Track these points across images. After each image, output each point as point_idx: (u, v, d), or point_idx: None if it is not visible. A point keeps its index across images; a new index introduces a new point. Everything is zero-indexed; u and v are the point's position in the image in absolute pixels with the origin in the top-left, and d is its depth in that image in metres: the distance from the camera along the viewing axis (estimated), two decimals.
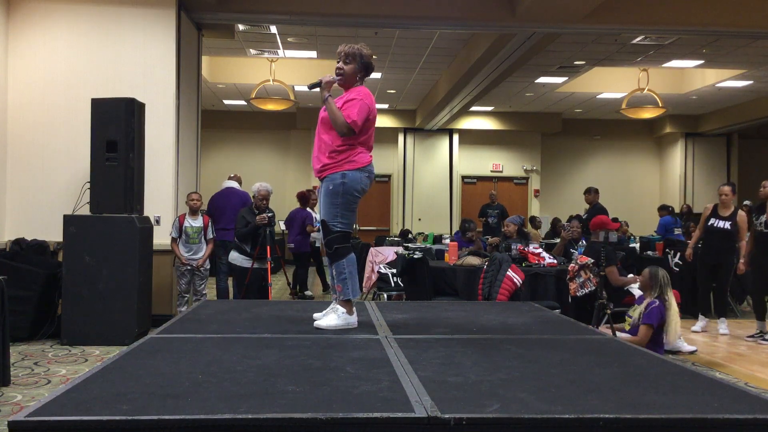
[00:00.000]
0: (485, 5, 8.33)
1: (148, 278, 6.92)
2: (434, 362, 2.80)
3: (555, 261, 7.41)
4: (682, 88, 13.82)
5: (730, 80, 12.88)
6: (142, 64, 7.50)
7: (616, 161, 18.22)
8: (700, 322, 7.53)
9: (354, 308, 3.72)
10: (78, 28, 7.52)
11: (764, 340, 6.95)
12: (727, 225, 7.30)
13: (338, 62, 3.76)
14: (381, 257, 8.79)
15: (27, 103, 7.45)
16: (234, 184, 8.81)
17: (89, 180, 6.75)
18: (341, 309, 3.65)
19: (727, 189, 7.42)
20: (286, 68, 12.21)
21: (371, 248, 9.42)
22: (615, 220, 11.08)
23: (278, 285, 11.23)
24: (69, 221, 6.55)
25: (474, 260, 7.19)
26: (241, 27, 9.67)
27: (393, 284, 7.95)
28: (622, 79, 13.27)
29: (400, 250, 8.67)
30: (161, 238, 7.31)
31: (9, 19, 7.47)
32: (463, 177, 17.66)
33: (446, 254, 7.87)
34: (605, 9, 8.20)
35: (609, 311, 6.11)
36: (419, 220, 17.14)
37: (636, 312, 5.86)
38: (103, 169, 6.62)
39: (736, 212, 7.37)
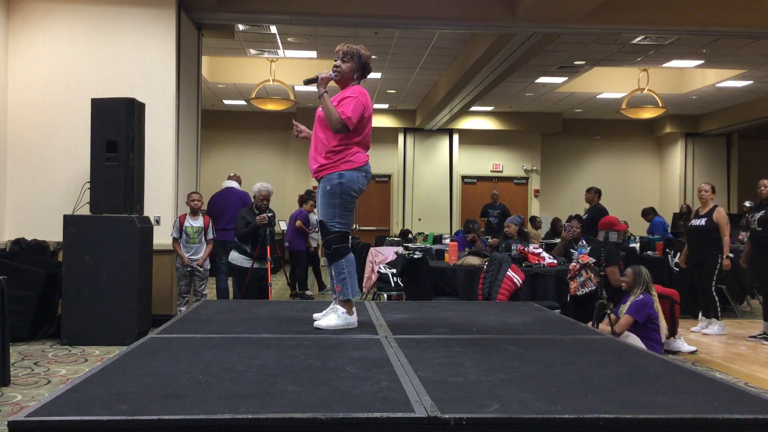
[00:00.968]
0: (485, 5, 8.33)
1: (148, 278, 6.92)
2: (434, 362, 2.80)
3: (555, 261, 7.41)
4: (682, 88, 13.82)
5: (730, 80, 12.88)
6: (142, 64, 7.50)
7: (616, 161, 18.22)
8: (701, 323, 7.51)
9: (354, 308, 3.72)
10: (78, 28, 7.52)
11: (765, 340, 6.93)
12: (703, 222, 7.30)
13: (336, 60, 3.75)
14: (381, 257, 8.79)
15: (27, 103, 7.45)
16: (234, 184, 8.81)
17: (89, 180, 6.75)
18: (341, 309, 3.65)
19: (706, 186, 7.46)
20: (286, 68, 12.21)
21: (371, 248, 9.42)
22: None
23: (278, 285, 11.23)
24: (69, 221, 6.55)
25: (474, 260, 7.19)
26: (241, 27, 9.67)
27: (393, 284, 7.95)
28: (622, 79, 13.27)
29: (400, 250, 8.67)
30: (161, 238, 7.31)
31: (9, 19, 7.47)
32: (463, 177, 17.66)
33: (446, 254, 7.87)
34: (605, 9, 8.20)
35: (609, 311, 6.13)
36: (419, 220, 17.14)
37: (624, 307, 6.01)
38: (103, 169, 6.62)
39: (712, 210, 7.33)
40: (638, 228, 13.70)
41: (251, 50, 11.32)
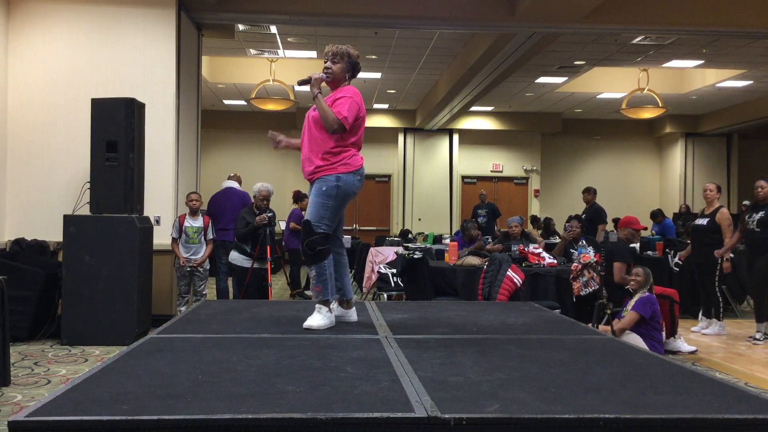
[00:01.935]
0: (485, 5, 8.33)
1: (148, 278, 6.92)
2: (434, 362, 2.80)
3: (555, 261, 7.41)
4: (682, 88, 13.82)
5: (730, 80, 12.88)
6: (142, 64, 7.50)
7: (616, 161, 18.22)
8: (701, 323, 7.51)
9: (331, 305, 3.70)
10: (78, 28, 7.52)
11: (756, 340, 6.90)
12: (704, 222, 7.29)
13: (326, 62, 3.72)
14: (381, 257, 8.79)
15: (27, 103, 7.45)
16: (234, 184, 8.81)
17: (89, 180, 6.75)
18: (324, 308, 3.63)
19: (711, 186, 7.41)
20: (286, 68, 12.21)
21: (371, 248, 9.42)
22: (616, 221, 11.07)
23: (278, 285, 11.23)
24: (69, 221, 6.55)
25: (474, 260, 7.20)
26: (241, 27, 9.67)
27: (393, 284, 7.95)
28: (622, 79, 13.27)
29: (400, 250, 8.68)
30: (161, 238, 7.31)
31: (9, 19, 7.47)
32: (463, 177, 17.67)
33: (446, 254, 7.88)
34: (605, 9, 8.20)
35: (609, 311, 6.14)
36: (419, 220, 17.14)
37: (629, 305, 6.02)
38: (103, 169, 6.62)
39: (716, 210, 7.30)
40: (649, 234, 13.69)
41: (251, 50, 11.32)
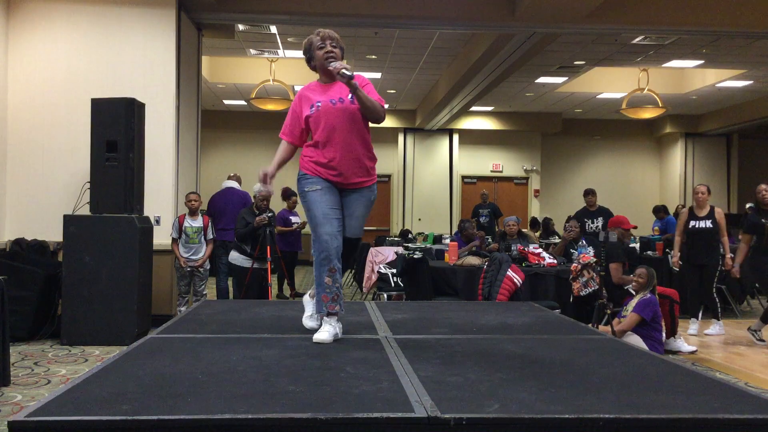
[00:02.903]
0: (485, 5, 8.33)
1: (148, 278, 6.92)
2: (434, 362, 2.79)
3: (555, 261, 7.41)
4: (682, 88, 13.82)
5: (730, 80, 12.88)
6: (142, 64, 7.50)
7: (616, 161, 18.22)
8: (693, 325, 7.46)
9: None
10: (78, 28, 7.52)
11: (757, 338, 6.91)
12: (709, 224, 7.32)
13: (325, 46, 3.29)
14: (381, 257, 8.79)
15: (27, 103, 7.45)
16: (234, 184, 8.81)
17: (89, 180, 6.75)
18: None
19: (703, 188, 7.45)
20: (286, 68, 12.20)
21: (371, 248, 9.42)
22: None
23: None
24: (69, 221, 6.55)
25: (474, 260, 7.20)
26: (241, 27, 9.67)
27: (393, 284, 7.95)
28: (622, 79, 13.26)
29: (400, 250, 8.68)
30: (161, 238, 7.31)
31: (9, 19, 7.47)
32: (463, 177, 17.66)
33: (446, 254, 7.87)
34: (605, 9, 8.20)
35: (609, 311, 6.14)
36: (419, 220, 17.13)
37: (629, 306, 6.02)
38: (103, 169, 6.63)
39: (712, 211, 7.37)
40: (639, 228, 13.68)
41: (251, 50, 11.32)
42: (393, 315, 4.12)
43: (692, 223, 7.41)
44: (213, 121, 15.64)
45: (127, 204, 6.64)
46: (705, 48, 10.64)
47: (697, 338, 7.15)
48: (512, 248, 7.50)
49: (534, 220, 14.57)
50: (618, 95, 13.73)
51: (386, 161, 17.16)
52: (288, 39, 10.52)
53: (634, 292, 6.21)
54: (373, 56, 11.44)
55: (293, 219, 9.88)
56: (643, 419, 2.08)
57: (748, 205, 11.03)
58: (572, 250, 7.71)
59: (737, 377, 5.59)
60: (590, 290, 6.55)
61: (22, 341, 6.51)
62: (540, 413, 2.08)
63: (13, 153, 7.43)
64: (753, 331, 6.92)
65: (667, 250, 8.85)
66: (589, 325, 5.49)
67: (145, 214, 7.05)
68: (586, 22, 8.38)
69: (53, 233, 7.07)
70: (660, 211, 13.14)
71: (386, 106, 3.27)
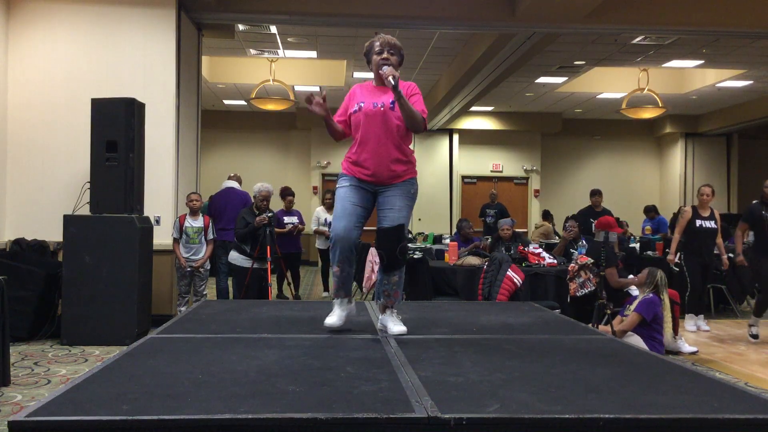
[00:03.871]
0: (485, 5, 8.33)
1: (148, 278, 6.92)
2: (434, 362, 2.80)
3: (555, 261, 7.41)
4: (682, 88, 13.82)
5: (730, 80, 12.88)
6: (142, 64, 7.50)
7: (616, 161, 18.22)
8: (692, 321, 7.53)
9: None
10: (78, 28, 7.52)
11: (753, 336, 6.97)
12: (713, 224, 7.48)
13: (383, 52, 3.43)
14: None
15: (27, 103, 7.45)
16: (234, 184, 8.81)
17: (89, 180, 6.75)
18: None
19: (708, 189, 7.60)
20: (286, 68, 12.21)
21: (371, 248, 9.40)
22: (617, 221, 11.10)
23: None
24: (69, 221, 6.55)
25: (474, 260, 7.20)
26: (241, 27, 9.67)
27: None
28: (622, 79, 13.26)
29: None
30: (161, 238, 7.31)
31: (9, 19, 7.47)
32: (463, 177, 17.66)
33: (446, 254, 7.87)
34: (605, 9, 8.20)
35: (609, 311, 6.14)
36: (419, 220, 17.12)
37: (631, 307, 6.02)
38: (103, 169, 6.63)
39: (713, 212, 7.57)
40: (639, 228, 13.70)
41: (251, 50, 11.32)
42: None
43: (699, 222, 7.48)
44: (213, 121, 15.64)
45: (127, 204, 6.64)
46: (705, 48, 10.64)
47: (695, 336, 7.15)
48: (511, 249, 7.50)
49: (546, 213, 14.55)
50: (618, 95, 13.73)
51: None
52: (288, 39, 10.52)
53: (634, 293, 6.22)
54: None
55: (287, 219, 9.84)
56: (643, 419, 2.08)
57: (754, 202, 11.05)
58: (572, 250, 7.71)
59: (737, 377, 5.59)
60: (587, 291, 6.55)
61: (22, 341, 6.51)
62: (540, 413, 2.08)
63: (13, 153, 7.43)
64: (750, 326, 7.00)
65: (667, 250, 8.86)
66: (589, 325, 5.49)
67: (145, 214, 7.05)
68: (586, 22, 8.38)
69: (53, 233, 7.07)
70: (651, 210, 13.18)
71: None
